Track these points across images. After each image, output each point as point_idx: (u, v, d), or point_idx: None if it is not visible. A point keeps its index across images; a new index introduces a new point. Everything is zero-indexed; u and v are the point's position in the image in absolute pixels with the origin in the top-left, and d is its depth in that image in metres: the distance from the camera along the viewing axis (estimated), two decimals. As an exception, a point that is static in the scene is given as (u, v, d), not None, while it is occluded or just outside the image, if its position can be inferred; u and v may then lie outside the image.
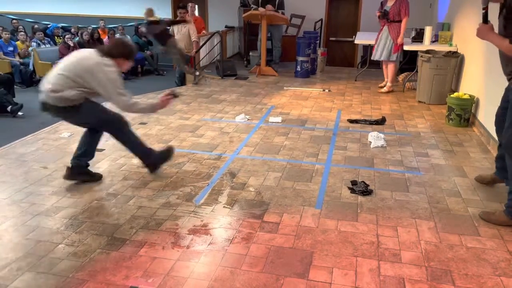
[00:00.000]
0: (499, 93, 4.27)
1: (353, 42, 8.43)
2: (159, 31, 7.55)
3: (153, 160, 3.57)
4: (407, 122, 5.24)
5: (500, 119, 3.02)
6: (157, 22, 7.55)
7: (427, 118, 5.40)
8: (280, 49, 8.71)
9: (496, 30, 2.83)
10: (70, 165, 3.41)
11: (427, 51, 6.18)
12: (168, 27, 7.79)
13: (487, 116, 4.59)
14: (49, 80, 3.14)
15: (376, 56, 6.86)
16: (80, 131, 4.71)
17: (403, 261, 2.46)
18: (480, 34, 2.84)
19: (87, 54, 3.18)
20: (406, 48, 6.69)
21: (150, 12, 7.58)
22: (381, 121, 5.17)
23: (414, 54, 7.04)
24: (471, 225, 2.85)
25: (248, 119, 5.23)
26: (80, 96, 3.13)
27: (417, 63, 6.55)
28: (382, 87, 7.14)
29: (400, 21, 6.46)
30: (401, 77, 7.58)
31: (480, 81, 5.03)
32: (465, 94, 5.08)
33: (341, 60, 10.71)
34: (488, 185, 3.43)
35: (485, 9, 2.81)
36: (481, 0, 2.83)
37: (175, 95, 3.46)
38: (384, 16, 6.53)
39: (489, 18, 2.82)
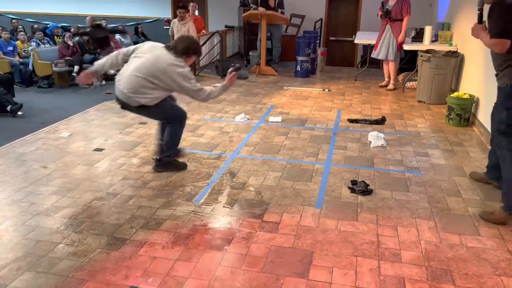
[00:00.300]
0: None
1: (353, 41, 8.43)
2: (101, 36, 8.06)
3: (168, 160, 3.65)
4: (407, 121, 5.24)
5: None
6: (100, 27, 8.04)
7: (427, 118, 5.39)
8: (280, 49, 8.70)
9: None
10: (155, 157, 3.72)
11: (427, 51, 6.17)
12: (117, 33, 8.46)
13: (487, 115, 4.57)
14: (125, 81, 3.25)
15: (379, 55, 6.90)
16: (81, 130, 4.72)
17: (403, 260, 2.46)
18: (473, 33, 3.05)
19: (159, 54, 3.25)
20: (406, 47, 6.70)
21: (92, 20, 8.23)
22: (381, 121, 5.16)
23: (414, 53, 7.04)
24: (471, 225, 2.85)
25: (248, 119, 5.23)
26: (156, 99, 3.29)
27: (417, 62, 6.55)
28: (383, 86, 7.17)
29: (402, 20, 6.53)
30: (401, 76, 7.58)
31: (480, 81, 5.02)
32: (465, 93, 5.08)
33: (341, 59, 10.71)
34: (479, 182, 3.53)
35: (480, 10, 2.99)
36: (477, 2, 2.99)
37: (237, 69, 3.58)
38: (386, 15, 6.55)
39: (484, 19, 2.97)
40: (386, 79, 7.21)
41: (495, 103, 3.16)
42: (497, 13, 2.77)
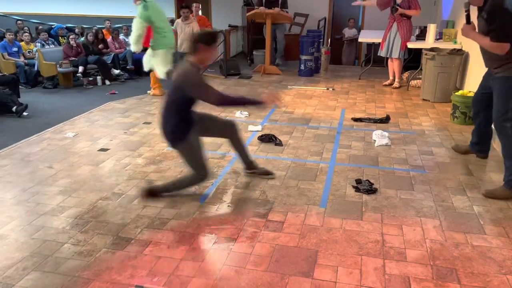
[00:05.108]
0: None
1: (357, 40, 8.42)
2: None
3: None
4: (411, 120, 5.22)
5: (480, 102, 3.65)
6: None
7: (431, 116, 5.37)
8: (284, 44, 8.64)
9: (477, 29, 3.28)
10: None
11: (432, 49, 6.15)
12: None
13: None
14: None
15: (387, 53, 6.90)
16: (86, 131, 4.74)
17: (408, 259, 2.46)
18: (464, 33, 3.32)
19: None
20: (410, 46, 6.68)
21: None
22: (385, 120, 5.15)
23: (418, 52, 7.02)
24: (476, 224, 2.84)
25: (245, 116, 5.25)
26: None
27: (421, 61, 6.53)
28: (387, 84, 7.16)
29: (409, 17, 6.58)
30: (405, 75, 7.56)
31: (485, 79, 4.99)
32: (470, 91, 5.05)
33: (345, 57, 10.67)
34: (463, 154, 4.00)
35: (467, 11, 3.27)
36: (464, 4, 3.28)
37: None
38: (395, 11, 6.57)
39: (472, 20, 3.28)
40: (391, 78, 7.20)
41: (478, 91, 3.69)
42: (497, 17, 3.01)
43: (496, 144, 4.27)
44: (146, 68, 6.34)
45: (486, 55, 3.30)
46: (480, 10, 3.18)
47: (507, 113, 3.16)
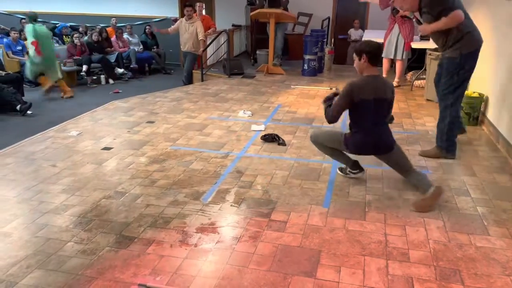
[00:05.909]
0: (508, 91, 4.24)
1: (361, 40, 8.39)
2: None
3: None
4: (415, 120, 5.21)
5: (438, 84, 4.04)
6: None
7: (435, 117, 5.32)
8: (282, 42, 8.60)
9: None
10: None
11: (436, 49, 6.12)
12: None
13: (496, 114, 4.54)
14: None
15: (389, 54, 6.88)
16: (89, 129, 4.76)
17: (412, 260, 2.45)
18: (422, 31, 3.96)
19: None
20: (414, 46, 6.68)
21: None
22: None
23: (422, 52, 6.99)
24: (480, 225, 2.83)
25: (248, 116, 5.25)
26: None
27: (425, 61, 6.51)
28: None
29: (410, 19, 6.56)
30: (409, 75, 7.54)
31: (489, 79, 4.98)
32: (474, 92, 5.03)
33: (349, 58, 10.66)
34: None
35: (415, 17, 4.21)
36: (409, 14, 4.50)
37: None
38: (398, 12, 6.57)
39: (422, 21, 3.87)
40: (384, 76, 7.18)
41: (436, 74, 4.05)
42: (435, 2, 3.59)
43: (500, 145, 4.26)
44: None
45: (436, 41, 3.90)
46: (420, 11, 3.76)
47: (450, 87, 3.79)
